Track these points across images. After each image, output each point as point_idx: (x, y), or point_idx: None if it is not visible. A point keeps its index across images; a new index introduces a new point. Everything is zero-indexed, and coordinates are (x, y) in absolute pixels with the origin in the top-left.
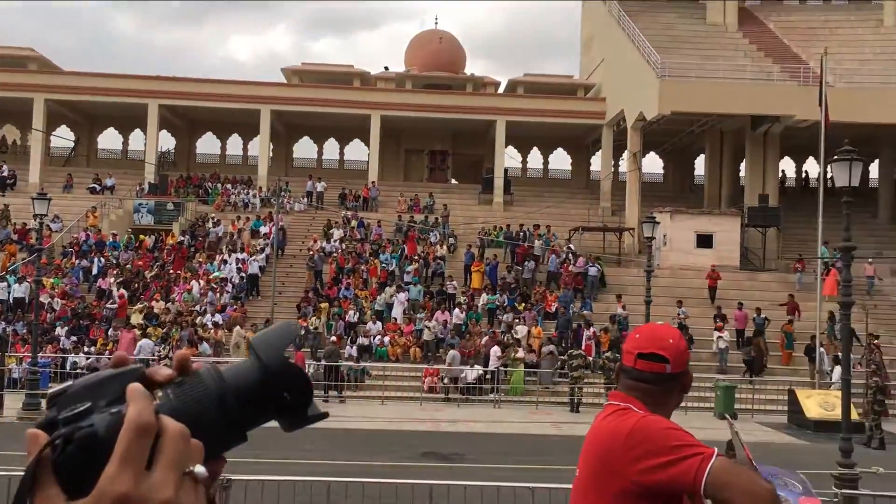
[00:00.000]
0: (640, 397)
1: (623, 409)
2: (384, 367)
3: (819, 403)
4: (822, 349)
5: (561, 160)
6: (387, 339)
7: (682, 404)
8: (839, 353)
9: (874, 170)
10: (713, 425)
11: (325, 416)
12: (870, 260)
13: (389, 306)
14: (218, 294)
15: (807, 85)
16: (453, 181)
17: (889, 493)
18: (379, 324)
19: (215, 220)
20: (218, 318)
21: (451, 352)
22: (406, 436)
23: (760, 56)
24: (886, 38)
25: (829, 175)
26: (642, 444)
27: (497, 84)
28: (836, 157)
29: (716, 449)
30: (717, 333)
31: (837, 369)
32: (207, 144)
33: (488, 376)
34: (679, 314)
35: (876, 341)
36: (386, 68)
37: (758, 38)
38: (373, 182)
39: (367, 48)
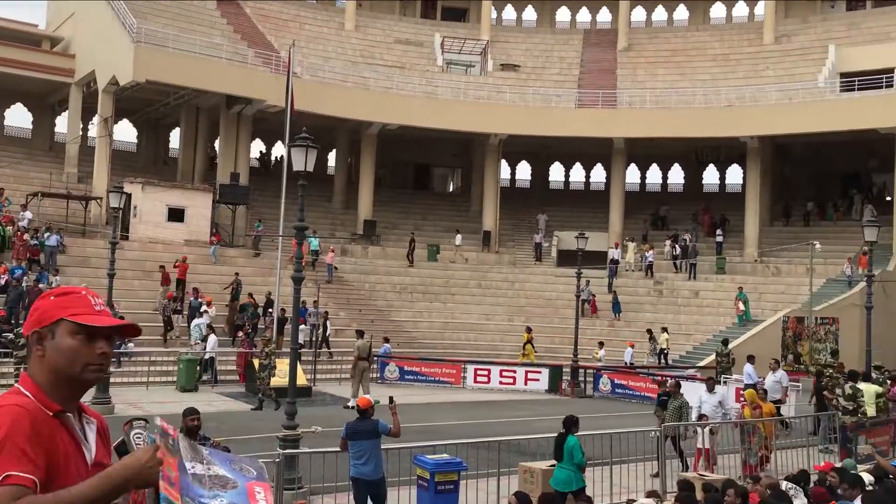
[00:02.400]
0: (29, 371)
1: (12, 392)
2: None
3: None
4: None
5: (20, 117)
6: None
7: (145, 378)
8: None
9: (333, 158)
10: (175, 398)
11: None
12: (332, 248)
13: None
14: None
15: (277, 73)
16: None
17: (323, 450)
18: None
19: None
20: None
21: None
22: None
23: (237, 38)
24: (346, 40)
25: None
26: None
27: None
28: (294, 143)
29: (13, 473)
30: (205, 307)
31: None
32: None
33: None
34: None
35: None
36: None
37: (234, 20)
38: None
39: None
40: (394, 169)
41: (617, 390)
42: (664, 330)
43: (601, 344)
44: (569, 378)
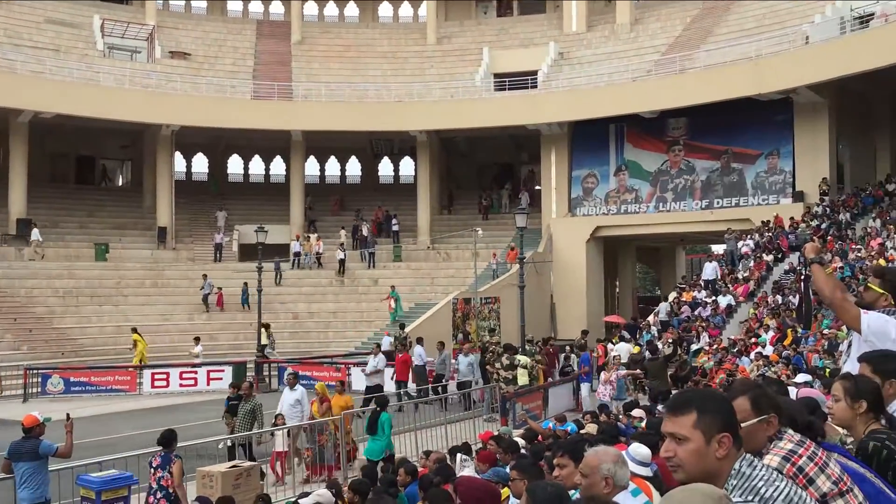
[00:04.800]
0: None
1: None
2: None
3: None
4: None
5: None
6: None
7: None
8: None
9: None
10: None
11: None
12: None
13: None
14: None
15: None
16: None
17: None
18: None
19: None
20: None
21: None
22: None
23: None
24: None
25: None
26: None
27: None
28: None
29: None
30: None
31: None
32: None
33: None
34: None
35: None
36: None
37: None
38: None
39: None
40: (52, 162)
41: (302, 381)
42: (266, 326)
43: (197, 339)
44: (253, 374)
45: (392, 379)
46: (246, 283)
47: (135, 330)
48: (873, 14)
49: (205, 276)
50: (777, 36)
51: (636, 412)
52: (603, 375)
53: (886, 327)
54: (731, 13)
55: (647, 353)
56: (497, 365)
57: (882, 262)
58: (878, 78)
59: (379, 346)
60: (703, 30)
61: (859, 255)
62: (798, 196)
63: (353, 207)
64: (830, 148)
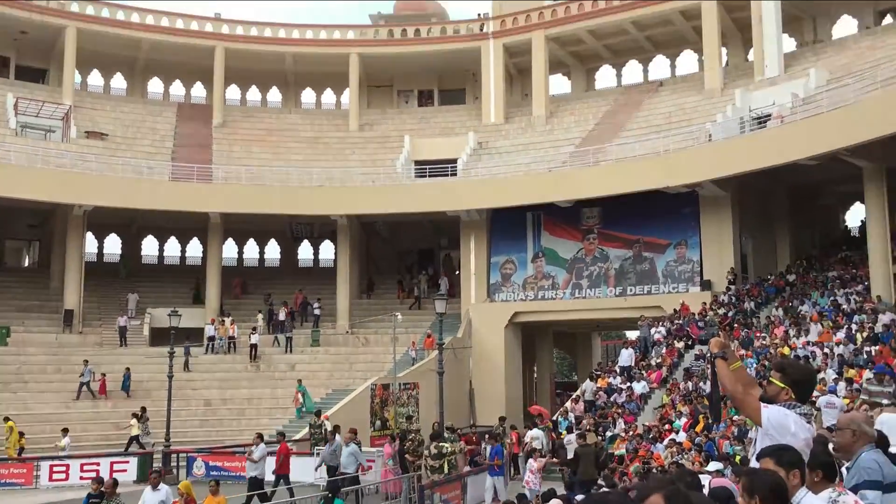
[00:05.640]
0: None
1: None
2: None
3: None
4: None
5: None
6: None
7: None
8: None
9: None
10: None
11: None
12: None
13: None
14: None
15: None
16: None
17: None
18: None
19: None
20: None
21: None
22: None
23: None
24: None
25: None
26: None
27: None
28: None
29: None
30: None
31: None
32: None
33: None
34: None
35: None
36: None
37: None
38: None
39: None
40: None
41: (212, 472)
42: (134, 416)
43: (65, 431)
44: (160, 465)
45: (273, 472)
46: (128, 369)
47: (7, 419)
48: (770, 115)
49: (85, 362)
50: (683, 132)
51: (553, 502)
52: (534, 464)
53: (786, 421)
54: (641, 110)
55: (573, 439)
56: (426, 453)
57: (786, 349)
58: (776, 174)
59: (261, 435)
60: (614, 125)
61: (764, 342)
62: (706, 285)
63: (267, 291)
64: (734, 239)
